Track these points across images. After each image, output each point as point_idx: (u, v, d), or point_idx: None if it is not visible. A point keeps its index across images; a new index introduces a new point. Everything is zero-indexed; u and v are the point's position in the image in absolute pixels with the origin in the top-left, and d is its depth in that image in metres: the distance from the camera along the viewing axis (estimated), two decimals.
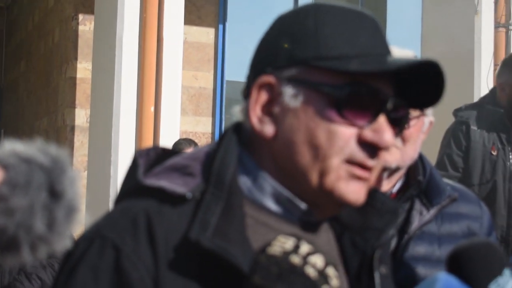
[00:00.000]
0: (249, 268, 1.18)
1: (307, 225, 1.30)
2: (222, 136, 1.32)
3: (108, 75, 6.32)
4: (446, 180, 2.18)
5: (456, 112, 4.54)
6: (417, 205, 2.08)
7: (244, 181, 1.29)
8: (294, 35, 1.27)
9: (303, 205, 1.28)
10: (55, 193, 1.37)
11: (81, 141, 7.60)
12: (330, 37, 1.25)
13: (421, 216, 2.06)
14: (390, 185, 2.07)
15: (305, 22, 1.27)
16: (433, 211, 2.07)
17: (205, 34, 8.16)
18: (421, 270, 2.02)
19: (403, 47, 2.00)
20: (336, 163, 1.23)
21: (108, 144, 6.25)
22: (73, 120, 7.67)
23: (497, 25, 7.41)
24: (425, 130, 2.07)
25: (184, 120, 7.69)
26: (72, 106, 7.69)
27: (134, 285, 1.18)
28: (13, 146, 1.40)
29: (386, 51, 1.28)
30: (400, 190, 2.10)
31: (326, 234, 1.36)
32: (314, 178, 1.24)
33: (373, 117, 1.24)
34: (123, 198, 1.30)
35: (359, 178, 1.24)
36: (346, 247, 1.37)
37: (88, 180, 6.74)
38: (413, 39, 7.97)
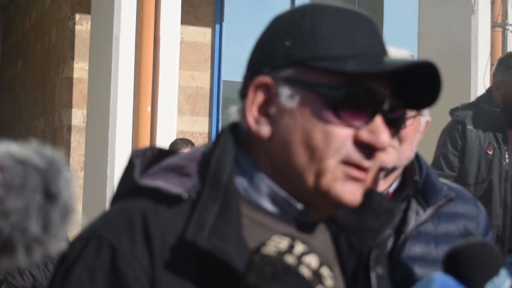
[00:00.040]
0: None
1: (303, 225, 1.30)
2: (218, 136, 1.32)
3: (105, 75, 6.31)
4: (442, 180, 2.18)
5: (453, 111, 4.55)
6: (414, 205, 2.07)
7: (241, 181, 1.28)
8: (290, 36, 1.27)
9: (299, 206, 1.28)
10: (50, 195, 1.37)
11: (77, 141, 7.59)
12: (327, 38, 1.25)
13: (417, 216, 2.06)
14: (387, 185, 2.07)
15: (302, 22, 1.27)
16: (429, 211, 2.07)
17: (202, 34, 8.15)
18: (417, 270, 2.01)
19: (400, 47, 2.00)
20: (332, 164, 1.23)
21: (105, 144, 6.24)
22: (70, 120, 7.65)
23: (493, 25, 7.43)
24: (422, 130, 2.07)
25: (181, 120, 7.67)
26: (69, 106, 7.68)
27: (130, 285, 1.18)
28: (8, 148, 1.39)
29: (383, 51, 1.28)
30: (397, 190, 2.10)
31: (322, 235, 1.36)
32: (310, 179, 1.24)
33: (370, 118, 1.24)
34: (120, 198, 1.30)
35: (355, 179, 1.24)
36: (343, 248, 1.37)
37: (84, 180, 6.74)
38: (410, 39, 7.98)
